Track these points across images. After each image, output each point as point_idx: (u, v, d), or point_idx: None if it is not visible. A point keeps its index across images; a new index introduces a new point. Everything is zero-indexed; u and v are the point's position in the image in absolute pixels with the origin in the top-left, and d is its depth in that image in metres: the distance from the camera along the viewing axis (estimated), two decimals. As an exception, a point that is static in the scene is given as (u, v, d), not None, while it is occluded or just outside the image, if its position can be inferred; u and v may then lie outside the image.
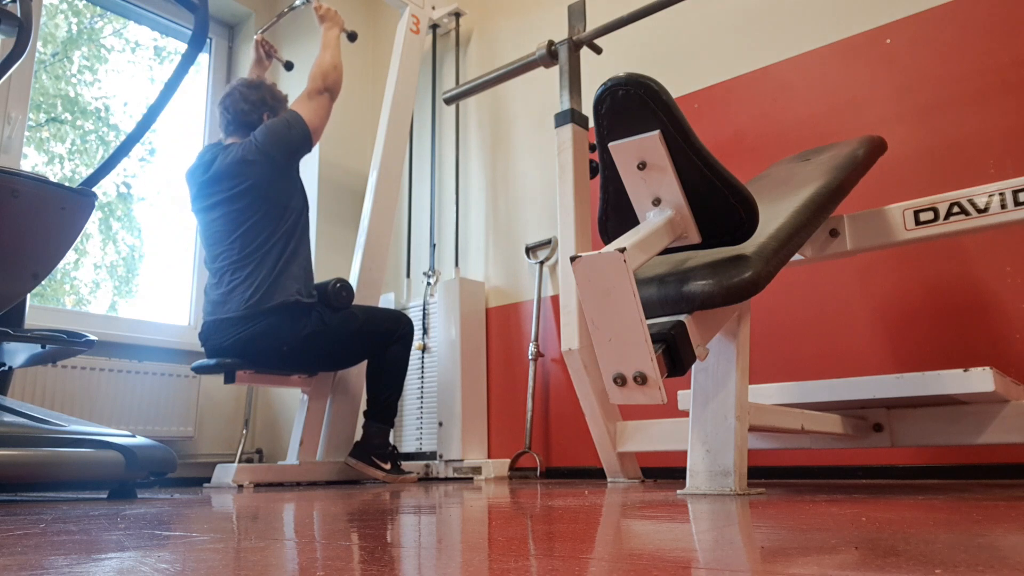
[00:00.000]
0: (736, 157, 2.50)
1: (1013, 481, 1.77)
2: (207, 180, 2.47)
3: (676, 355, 1.26)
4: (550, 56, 2.32)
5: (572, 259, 1.21)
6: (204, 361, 2.43)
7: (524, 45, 3.26)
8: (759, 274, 1.30)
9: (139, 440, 1.81)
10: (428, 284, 3.12)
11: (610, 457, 2.08)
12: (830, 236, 1.88)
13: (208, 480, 2.90)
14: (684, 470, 1.73)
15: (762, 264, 1.32)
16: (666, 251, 1.45)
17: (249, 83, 2.59)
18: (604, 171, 1.43)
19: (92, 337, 1.94)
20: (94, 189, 1.83)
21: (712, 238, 1.39)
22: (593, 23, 2.91)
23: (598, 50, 2.39)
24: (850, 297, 2.17)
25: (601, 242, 1.66)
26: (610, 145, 1.37)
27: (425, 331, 3.04)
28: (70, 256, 3.09)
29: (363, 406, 2.67)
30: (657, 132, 1.32)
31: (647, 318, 1.37)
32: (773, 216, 1.52)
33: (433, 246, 3.33)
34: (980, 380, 1.49)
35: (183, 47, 2.94)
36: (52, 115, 3.13)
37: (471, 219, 3.27)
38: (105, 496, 1.91)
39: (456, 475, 2.79)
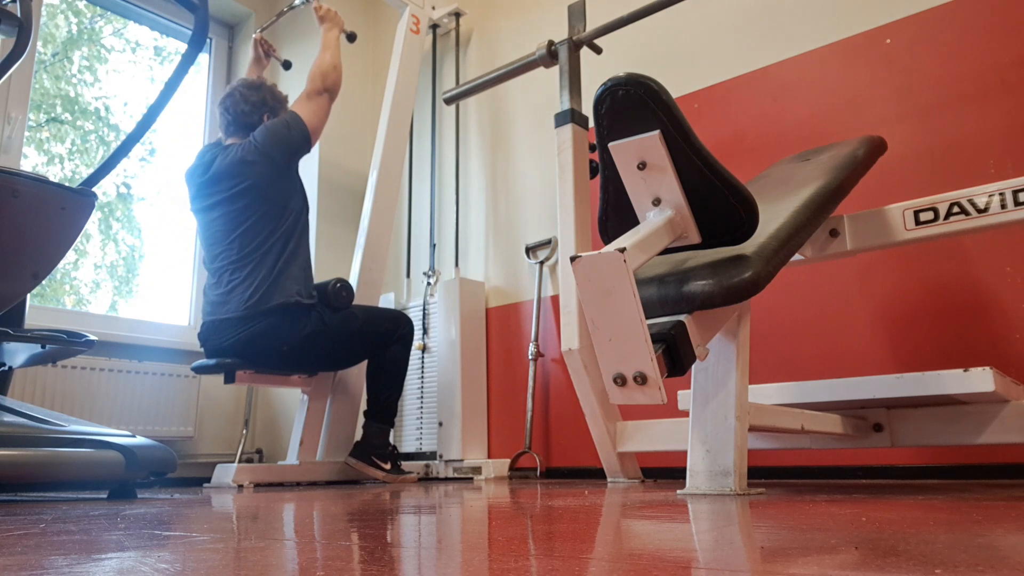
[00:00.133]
0: (736, 157, 2.50)
1: (1013, 481, 1.77)
2: (207, 180, 2.47)
3: (676, 355, 1.26)
4: (550, 56, 2.32)
5: (572, 259, 1.21)
6: (204, 361, 2.43)
7: (524, 45, 3.26)
8: (759, 274, 1.30)
9: (139, 440, 1.81)
10: (428, 284, 3.12)
11: (610, 457, 2.08)
12: (830, 236, 1.88)
13: (208, 480, 2.90)
14: (684, 470, 1.73)
15: (762, 264, 1.32)
16: (666, 251, 1.45)
17: (250, 84, 2.59)
18: (604, 171, 1.43)
19: (92, 337, 1.94)
20: (94, 189, 1.83)
21: (712, 238, 1.39)
22: (593, 23, 2.91)
23: (598, 50, 2.39)
24: (850, 297, 2.17)
25: (601, 242, 1.66)
26: (610, 145, 1.37)
27: (425, 331, 3.03)
28: (70, 256, 3.09)
29: (363, 406, 2.67)
30: (657, 132, 1.32)
31: (647, 318, 1.37)
32: (773, 216, 1.52)
33: (433, 246, 3.33)
34: (980, 380, 1.49)
35: (183, 47, 2.94)
36: (52, 115, 3.12)
37: (471, 219, 3.27)
38: (105, 496, 1.91)
39: (456, 475, 2.79)
